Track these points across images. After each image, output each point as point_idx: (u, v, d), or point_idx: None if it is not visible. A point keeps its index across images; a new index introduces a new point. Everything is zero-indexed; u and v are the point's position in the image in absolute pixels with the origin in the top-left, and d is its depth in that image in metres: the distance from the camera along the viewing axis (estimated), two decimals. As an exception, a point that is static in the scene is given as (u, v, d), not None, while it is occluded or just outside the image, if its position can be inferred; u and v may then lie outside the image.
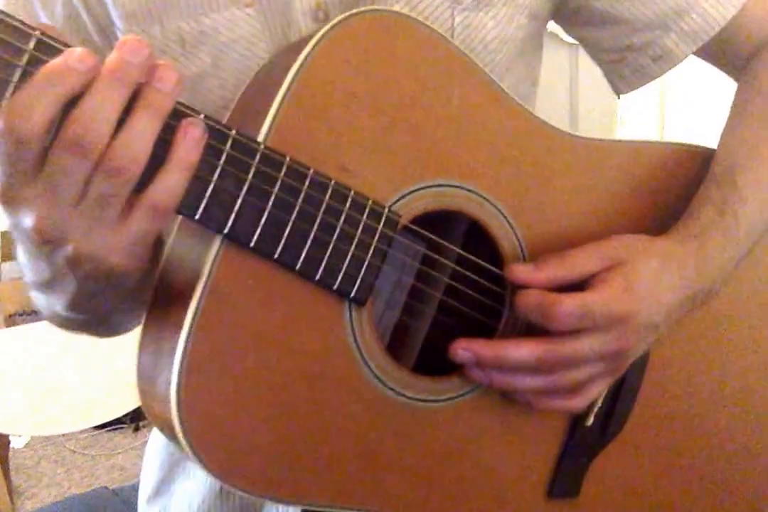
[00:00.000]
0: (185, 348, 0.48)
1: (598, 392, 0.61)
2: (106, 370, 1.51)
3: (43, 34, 0.42)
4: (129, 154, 0.42)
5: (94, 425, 1.66)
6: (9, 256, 2.87)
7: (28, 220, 0.43)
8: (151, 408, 0.54)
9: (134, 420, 2.68)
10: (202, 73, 0.62)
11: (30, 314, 2.79)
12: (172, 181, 0.44)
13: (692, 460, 0.72)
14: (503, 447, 0.63)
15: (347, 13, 0.53)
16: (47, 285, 0.52)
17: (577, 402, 0.60)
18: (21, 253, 0.52)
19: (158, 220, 0.45)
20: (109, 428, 2.66)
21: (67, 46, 0.43)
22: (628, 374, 0.65)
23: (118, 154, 0.42)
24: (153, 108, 0.43)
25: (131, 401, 1.53)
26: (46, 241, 0.44)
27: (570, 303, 0.55)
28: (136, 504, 1.38)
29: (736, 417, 0.74)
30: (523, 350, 0.56)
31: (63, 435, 2.57)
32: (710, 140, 0.71)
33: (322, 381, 0.54)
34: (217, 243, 0.49)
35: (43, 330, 1.49)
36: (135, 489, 1.44)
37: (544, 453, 0.65)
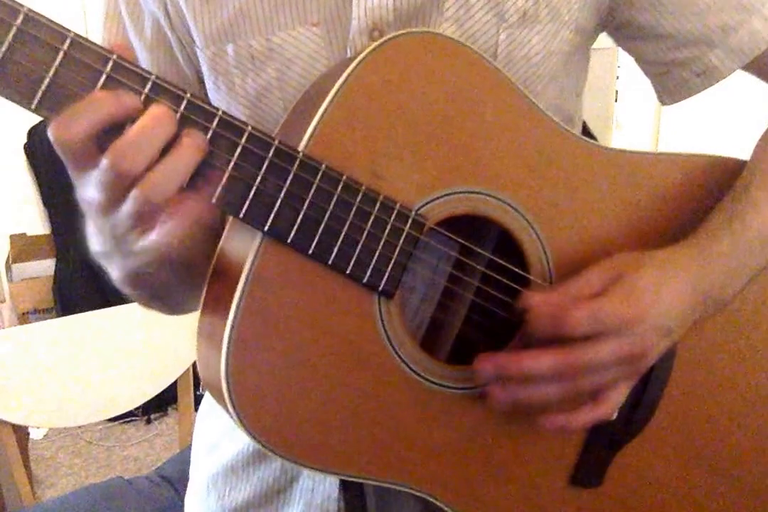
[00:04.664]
0: (232, 328, 0.53)
1: (620, 397, 0.62)
2: (119, 366, 1.55)
3: (118, 57, 0.47)
4: (160, 186, 0.48)
5: (108, 418, 1.70)
6: (21, 257, 2.93)
7: (89, 195, 0.50)
8: (210, 384, 0.59)
9: (146, 412, 2.72)
10: (267, 86, 0.66)
11: (42, 312, 2.85)
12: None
13: (718, 458, 0.72)
14: (528, 435, 0.65)
15: (394, 34, 0.57)
16: (106, 257, 0.58)
17: (603, 410, 0.61)
18: (88, 224, 0.57)
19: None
20: (122, 420, 2.71)
21: (140, 69, 0.48)
22: (654, 369, 0.66)
23: (150, 183, 0.48)
24: (181, 159, 0.49)
25: (143, 395, 1.57)
26: (101, 216, 0.51)
27: (580, 308, 0.57)
28: (148, 492, 1.45)
29: (763, 415, 0.74)
30: (540, 360, 0.57)
31: (79, 427, 2.61)
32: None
33: (353, 363, 0.57)
34: (258, 238, 0.54)
35: (55, 328, 1.54)
36: (148, 478, 1.51)
37: (568, 442, 0.67)
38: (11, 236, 2.93)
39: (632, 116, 2.95)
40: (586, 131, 0.78)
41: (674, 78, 0.72)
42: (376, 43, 0.56)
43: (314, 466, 0.58)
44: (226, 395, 0.54)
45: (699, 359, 0.70)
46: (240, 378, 0.54)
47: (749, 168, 0.68)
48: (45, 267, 2.93)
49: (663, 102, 0.75)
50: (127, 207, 0.49)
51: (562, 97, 0.71)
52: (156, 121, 0.48)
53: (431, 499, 0.62)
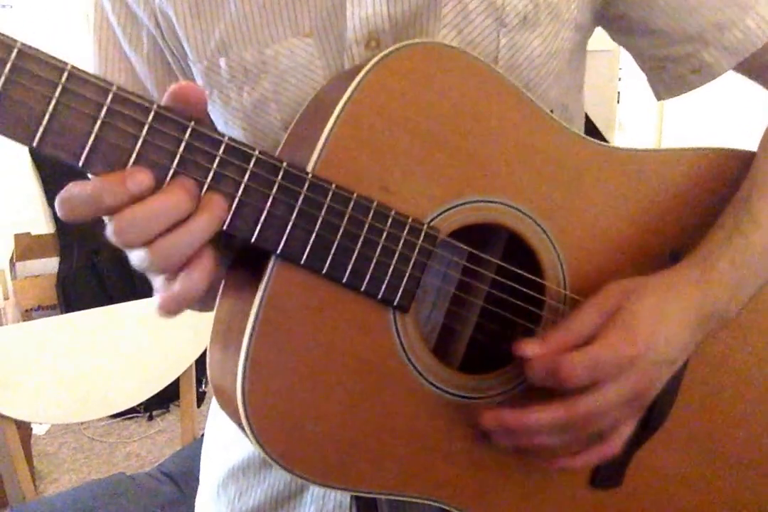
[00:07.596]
0: (247, 352, 0.53)
1: (626, 434, 0.61)
2: (122, 362, 1.55)
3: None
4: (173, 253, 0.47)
5: (111, 414, 1.71)
6: (25, 255, 2.95)
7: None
8: (223, 401, 0.59)
9: (148, 409, 2.73)
10: (263, 99, 0.65)
11: (46, 309, 2.87)
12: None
13: (737, 451, 0.72)
14: None
15: (395, 46, 0.56)
16: None
17: (611, 449, 0.61)
18: None
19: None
20: (124, 417, 2.72)
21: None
22: None
23: (156, 250, 0.47)
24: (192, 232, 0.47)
25: (145, 391, 1.57)
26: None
27: (577, 358, 0.55)
28: (150, 488, 1.46)
29: None
30: (542, 416, 0.56)
31: (81, 423, 2.62)
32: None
33: (371, 380, 0.57)
34: (271, 260, 0.53)
35: (59, 325, 1.55)
36: (149, 475, 1.52)
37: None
38: (16, 235, 2.95)
39: (634, 117, 2.96)
40: (593, 128, 0.77)
41: (670, 73, 0.71)
42: (378, 57, 0.56)
43: (337, 485, 0.57)
44: (243, 418, 0.53)
45: (714, 356, 0.70)
46: (258, 401, 0.54)
47: (748, 179, 0.67)
48: (49, 265, 2.95)
49: (659, 97, 0.74)
50: (136, 260, 0.48)
51: (567, 94, 0.71)
52: (173, 201, 0.46)
53: (451, 509, 0.62)
